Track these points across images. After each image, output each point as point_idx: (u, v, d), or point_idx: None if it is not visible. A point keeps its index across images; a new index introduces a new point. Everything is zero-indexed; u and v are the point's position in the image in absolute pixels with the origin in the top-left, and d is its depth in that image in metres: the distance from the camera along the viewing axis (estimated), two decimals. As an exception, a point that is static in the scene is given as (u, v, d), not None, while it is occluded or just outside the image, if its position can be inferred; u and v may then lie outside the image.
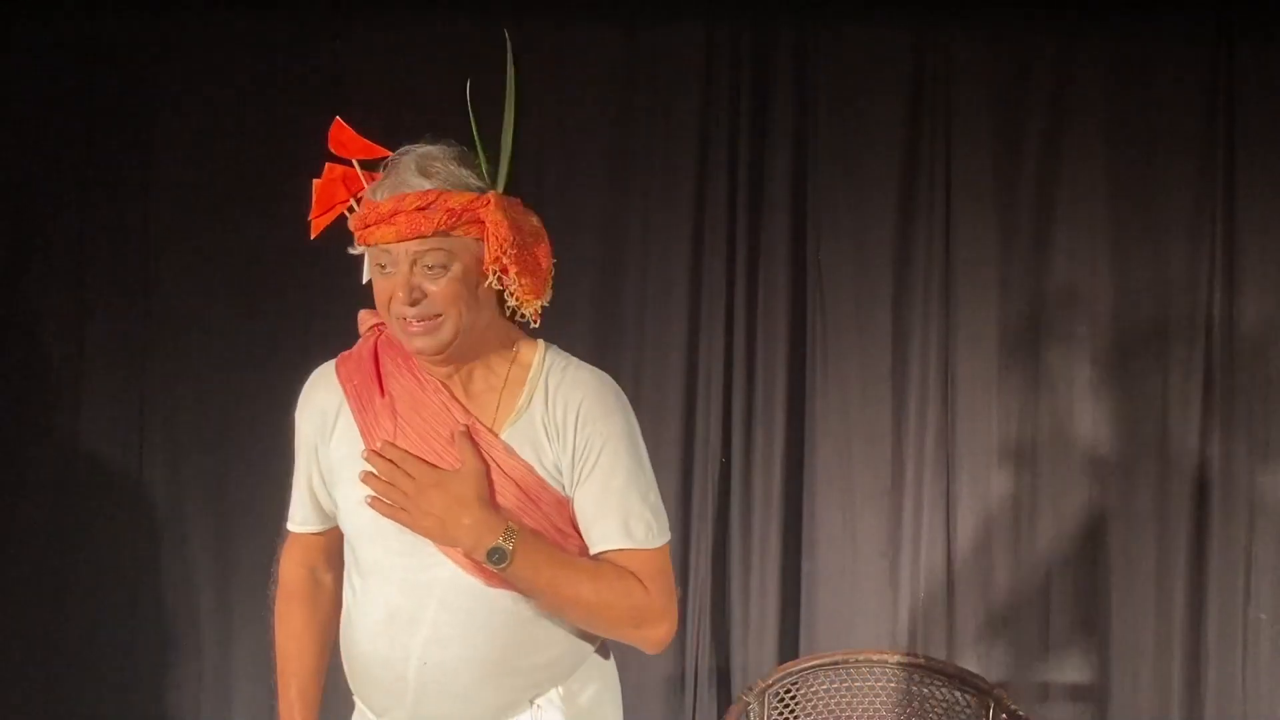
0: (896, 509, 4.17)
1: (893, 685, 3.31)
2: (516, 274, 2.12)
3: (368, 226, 2.12)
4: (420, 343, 2.15)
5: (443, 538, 2.13)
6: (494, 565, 2.10)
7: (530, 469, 2.19)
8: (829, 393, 4.18)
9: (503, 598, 2.18)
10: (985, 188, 4.17)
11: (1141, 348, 4.13)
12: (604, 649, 2.36)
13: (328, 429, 2.28)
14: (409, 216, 2.08)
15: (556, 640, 2.24)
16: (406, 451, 2.16)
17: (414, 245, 2.09)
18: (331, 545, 2.40)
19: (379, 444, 2.16)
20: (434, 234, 2.09)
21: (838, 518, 4.17)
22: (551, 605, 2.19)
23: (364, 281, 2.26)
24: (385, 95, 3.96)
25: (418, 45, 4.10)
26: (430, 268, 2.11)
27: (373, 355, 2.28)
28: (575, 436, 2.20)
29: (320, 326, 4.09)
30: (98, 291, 4.13)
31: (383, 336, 2.30)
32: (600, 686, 2.35)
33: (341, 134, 2.24)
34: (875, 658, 3.35)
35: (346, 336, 4.02)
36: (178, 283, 4.13)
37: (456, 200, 2.10)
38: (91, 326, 4.12)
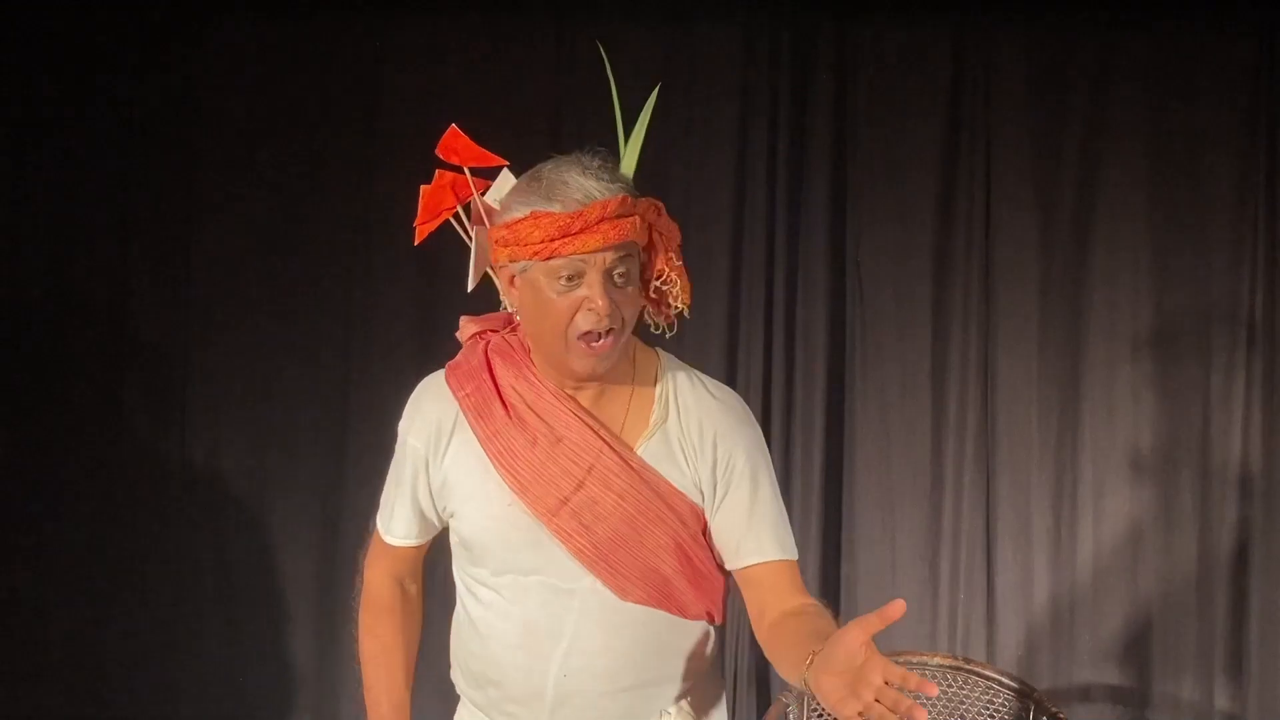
0: (936, 510, 4.16)
1: (932, 687, 3.29)
2: (677, 276, 2.13)
3: (566, 237, 2.02)
4: (598, 363, 2.09)
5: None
6: None
7: (668, 480, 2.18)
8: (868, 394, 4.18)
9: (636, 609, 2.19)
10: (1025, 187, 4.16)
11: (1183, 347, 4.11)
12: (717, 663, 2.37)
13: (443, 443, 2.23)
14: (614, 224, 2.03)
15: (685, 652, 2.26)
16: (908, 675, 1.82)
17: (611, 255, 2.04)
18: (421, 557, 2.39)
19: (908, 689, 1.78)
20: (631, 240, 2.07)
21: (877, 519, 4.17)
22: None
23: (469, 289, 2.25)
24: (427, 99, 3.99)
25: (458, 46, 4.13)
26: (621, 275, 2.07)
27: (485, 364, 2.22)
28: (716, 452, 2.19)
29: (361, 322, 4.13)
30: (139, 289, 4.17)
31: (492, 344, 2.25)
32: (718, 696, 2.37)
33: (455, 141, 2.23)
34: (915, 659, 3.33)
35: (389, 328, 4.06)
36: (219, 276, 4.17)
37: (640, 206, 2.10)
38: (132, 322, 4.17)
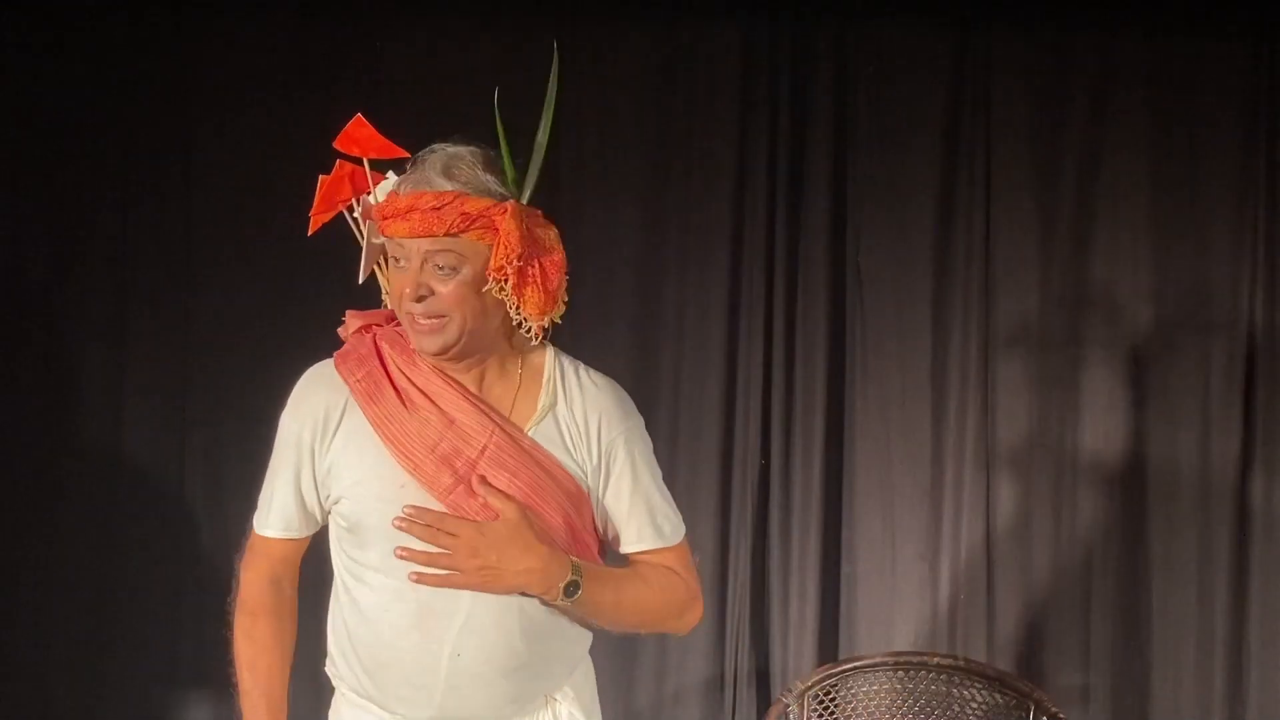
0: (936, 511, 4.17)
1: (932, 687, 3.30)
2: (515, 285, 2.13)
3: (386, 218, 2.15)
4: (425, 340, 2.18)
5: (504, 588, 2.16)
6: (568, 598, 2.17)
7: (558, 462, 2.23)
8: (868, 395, 4.18)
9: None
10: (1025, 189, 4.16)
11: (1182, 349, 4.12)
12: (588, 648, 2.41)
13: (330, 428, 2.27)
14: (423, 215, 2.10)
15: (569, 633, 2.29)
16: (443, 513, 2.15)
17: (426, 243, 2.12)
18: (299, 556, 2.39)
19: (408, 510, 2.14)
20: (445, 234, 2.11)
21: (877, 520, 4.17)
22: (610, 619, 2.28)
23: (360, 281, 2.30)
24: (425, 95, 3.99)
25: (459, 46, 4.12)
26: (440, 268, 2.13)
27: (375, 351, 2.29)
28: (601, 440, 2.26)
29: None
30: (139, 295, 4.16)
31: (379, 334, 2.31)
32: (593, 680, 2.42)
33: (359, 131, 2.25)
34: (915, 659, 3.34)
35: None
36: (220, 285, 4.16)
37: (473, 205, 2.11)
38: (133, 329, 4.16)
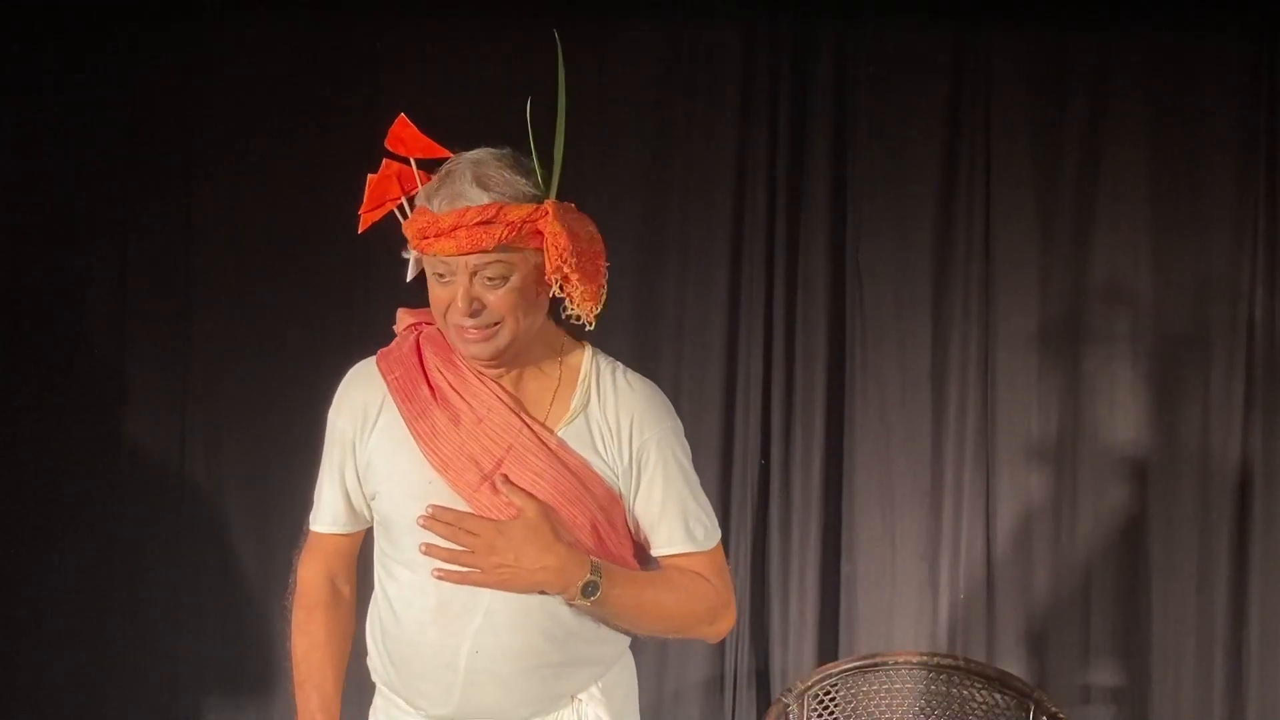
0: (936, 510, 4.17)
1: (932, 687, 3.30)
2: (579, 281, 2.14)
3: (426, 238, 2.13)
4: (476, 349, 2.18)
5: (522, 586, 2.16)
6: (586, 599, 2.16)
7: (586, 464, 2.23)
8: (868, 394, 4.18)
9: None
10: (1025, 187, 4.16)
11: (1182, 348, 4.12)
12: (628, 650, 2.40)
13: (369, 424, 2.29)
14: (470, 231, 2.09)
15: (601, 634, 2.28)
16: (463, 512, 2.16)
17: (474, 258, 2.11)
18: (353, 552, 2.42)
19: (431, 508, 2.15)
20: (495, 248, 2.10)
21: (877, 519, 4.17)
22: (633, 622, 2.27)
23: (407, 281, 2.28)
24: (426, 95, 3.97)
25: (459, 45, 4.13)
26: (490, 279, 2.13)
27: (415, 350, 2.30)
28: (632, 443, 2.25)
29: (363, 322, 4.13)
30: (140, 289, 4.17)
31: (424, 333, 2.32)
32: (630, 682, 2.41)
33: (404, 131, 2.25)
34: (915, 659, 3.34)
35: (391, 331, 4.07)
36: (220, 279, 4.17)
37: (516, 213, 2.11)
38: (133, 324, 4.17)
